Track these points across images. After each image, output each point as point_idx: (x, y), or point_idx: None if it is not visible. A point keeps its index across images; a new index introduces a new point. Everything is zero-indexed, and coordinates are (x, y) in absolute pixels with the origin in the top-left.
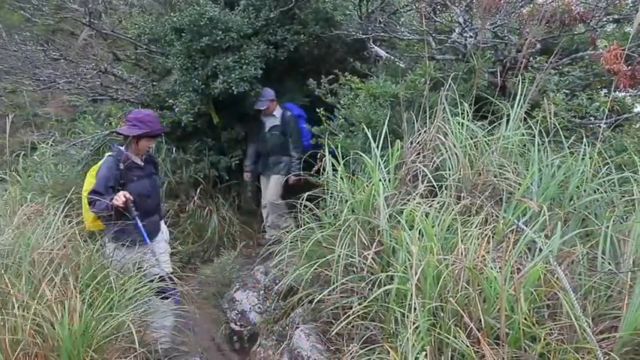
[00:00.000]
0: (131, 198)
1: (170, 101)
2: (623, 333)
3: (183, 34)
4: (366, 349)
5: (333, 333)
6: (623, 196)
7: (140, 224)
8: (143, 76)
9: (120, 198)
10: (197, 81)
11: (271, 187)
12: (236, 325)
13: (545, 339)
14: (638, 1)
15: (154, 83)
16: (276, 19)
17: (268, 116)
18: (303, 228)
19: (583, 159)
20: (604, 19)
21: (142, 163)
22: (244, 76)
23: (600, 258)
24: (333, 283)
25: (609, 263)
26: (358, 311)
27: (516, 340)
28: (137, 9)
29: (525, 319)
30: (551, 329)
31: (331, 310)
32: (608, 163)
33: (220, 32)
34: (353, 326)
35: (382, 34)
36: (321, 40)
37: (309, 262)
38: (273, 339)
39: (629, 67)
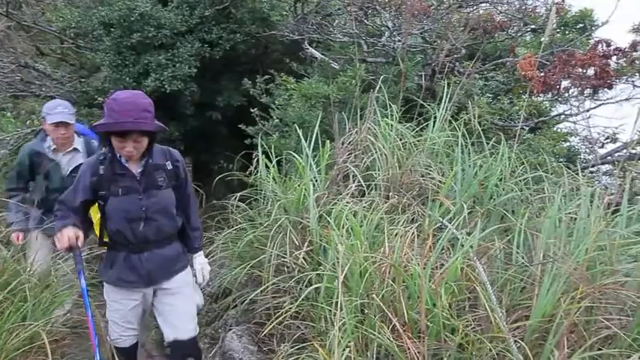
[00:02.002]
0: (79, 245)
1: (99, 99)
2: (532, 321)
3: (112, 30)
4: (297, 349)
5: (266, 333)
6: (537, 194)
7: (82, 277)
8: (70, 71)
9: (63, 240)
10: (128, 78)
11: None
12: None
13: (463, 331)
14: (549, 13)
15: (82, 80)
16: (211, 17)
17: (64, 152)
18: (234, 228)
19: (502, 160)
20: (523, 29)
21: (139, 169)
22: (178, 74)
23: (515, 252)
24: (265, 284)
25: (523, 257)
26: (290, 311)
27: (437, 332)
28: (62, 1)
29: (445, 312)
30: (469, 321)
31: (264, 310)
32: (524, 163)
33: (152, 29)
34: (285, 326)
35: (316, 35)
36: (258, 40)
37: (242, 263)
38: (205, 342)
39: (542, 74)
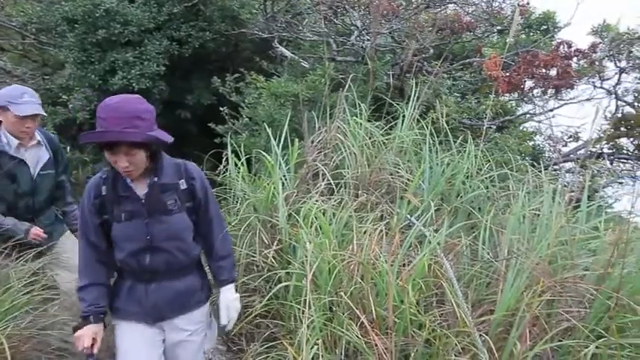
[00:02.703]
0: (94, 353)
1: (64, 97)
2: (497, 315)
3: (76, 26)
4: (266, 347)
5: (237, 333)
6: (502, 191)
7: None
8: (32, 68)
9: (78, 343)
10: (93, 76)
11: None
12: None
13: (430, 326)
14: (514, 14)
15: (46, 77)
16: (179, 14)
17: (28, 146)
18: None
19: (469, 158)
20: (489, 30)
21: (144, 191)
22: (146, 72)
23: (481, 248)
24: (235, 283)
25: (488, 253)
26: (259, 310)
27: (405, 328)
28: None
29: (413, 308)
30: (436, 316)
31: None
32: (490, 162)
33: (118, 25)
34: (255, 325)
35: (285, 34)
36: (228, 38)
37: None
38: None
39: (507, 74)
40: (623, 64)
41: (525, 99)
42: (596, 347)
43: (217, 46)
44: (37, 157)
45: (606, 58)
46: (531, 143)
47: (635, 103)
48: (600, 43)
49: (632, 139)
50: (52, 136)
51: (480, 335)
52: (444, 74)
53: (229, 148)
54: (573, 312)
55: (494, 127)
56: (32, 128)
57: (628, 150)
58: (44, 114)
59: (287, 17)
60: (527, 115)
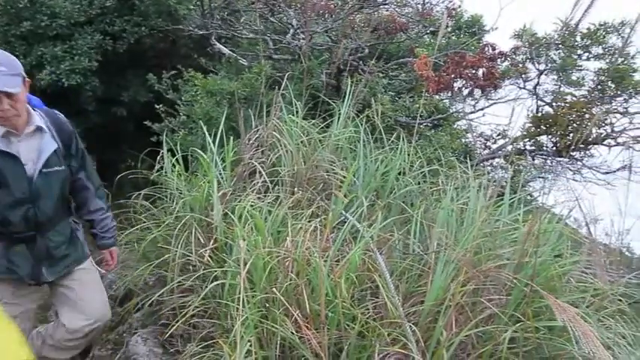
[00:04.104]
0: None
1: None
2: (426, 305)
3: None
4: (203, 347)
5: (173, 334)
6: (433, 186)
7: None
8: None
9: None
10: None
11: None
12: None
13: (362, 319)
14: (444, 16)
15: None
16: (112, 8)
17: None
18: (136, 227)
19: (401, 154)
20: (423, 31)
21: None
22: (76, 67)
23: (412, 242)
24: (171, 283)
25: (419, 246)
26: (195, 309)
27: (338, 322)
28: None
29: (346, 302)
30: (369, 309)
31: (170, 311)
32: (421, 158)
33: (45, 17)
34: (192, 325)
35: (221, 31)
36: (165, 34)
37: (147, 263)
38: (108, 348)
39: (437, 74)
40: (542, 66)
41: (458, 98)
42: (514, 331)
43: (154, 42)
44: (36, 149)
45: (528, 60)
46: (464, 141)
47: (554, 103)
48: (522, 46)
49: (550, 137)
50: (62, 119)
51: (410, 326)
52: (380, 73)
53: (165, 147)
54: (495, 299)
55: (430, 125)
56: (10, 110)
57: (547, 147)
58: (12, 91)
59: (224, 14)
60: (460, 114)
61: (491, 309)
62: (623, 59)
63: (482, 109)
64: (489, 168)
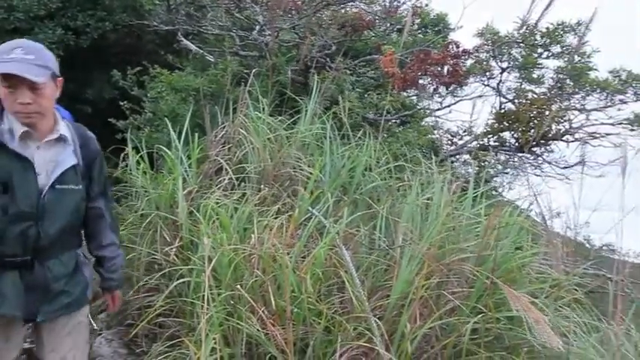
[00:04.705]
0: None
1: None
2: (391, 299)
3: None
4: (169, 347)
5: (138, 334)
6: (400, 182)
7: None
8: None
9: None
10: None
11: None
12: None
13: (328, 314)
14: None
15: None
16: (75, 2)
17: (42, 141)
18: None
19: (368, 151)
20: (390, 28)
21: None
22: None
23: (378, 237)
24: (137, 283)
25: (385, 241)
26: (159, 309)
27: (304, 318)
28: None
29: (312, 298)
30: (334, 304)
31: (135, 311)
32: (387, 154)
33: (2, 10)
34: (158, 325)
35: (187, 27)
36: (131, 29)
37: None
38: None
39: (402, 71)
40: (505, 64)
41: (424, 95)
42: (476, 322)
43: (119, 37)
44: (54, 159)
45: (491, 58)
46: (432, 137)
47: (516, 100)
48: (485, 44)
49: (512, 133)
50: (89, 135)
51: (376, 320)
52: (347, 70)
53: (129, 144)
54: (458, 292)
55: (398, 122)
56: (32, 106)
57: (510, 143)
58: (35, 79)
59: (190, 10)
60: (427, 111)
61: (454, 302)
62: (580, 58)
63: (448, 106)
64: (457, 164)
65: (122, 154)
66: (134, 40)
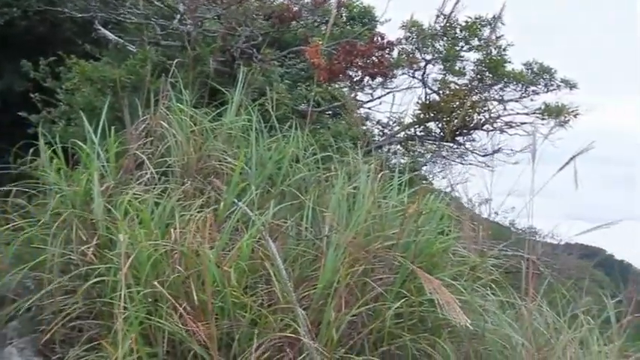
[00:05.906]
0: None
1: None
2: (318, 289)
3: None
4: (86, 350)
5: (54, 340)
6: (327, 172)
7: None
8: None
9: None
10: None
11: None
12: None
13: (253, 307)
14: (333, 5)
15: None
16: None
17: None
18: (5, 228)
19: (295, 142)
20: (318, 20)
21: None
22: None
23: (304, 228)
24: (50, 286)
25: (312, 232)
26: (79, 311)
27: (229, 312)
28: None
29: (236, 291)
30: (261, 297)
31: (51, 315)
32: (313, 145)
33: None
34: (76, 328)
35: (103, 14)
36: (44, 16)
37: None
38: None
39: (329, 63)
40: (429, 56)
41: (355, 87)
42: (399, 307)
43: (32, 25)
44: None
45: (416, 50)
46: (363, 128)
47: (440, 91)
48: (408, 36)
49: (437, 123)
50: None
51: (301, 310)
52: (275, 62)
53: (41, 139)
54: (384, 278)
55: (330, 113)
56: None
57: (435, 133)
58: None
59: None
60: (358, 102)
61: (378, 289)
62: (496, 51)
63: (379, 98)
64: (389, 154)
65: (32, 150)
66: (48, 28)
